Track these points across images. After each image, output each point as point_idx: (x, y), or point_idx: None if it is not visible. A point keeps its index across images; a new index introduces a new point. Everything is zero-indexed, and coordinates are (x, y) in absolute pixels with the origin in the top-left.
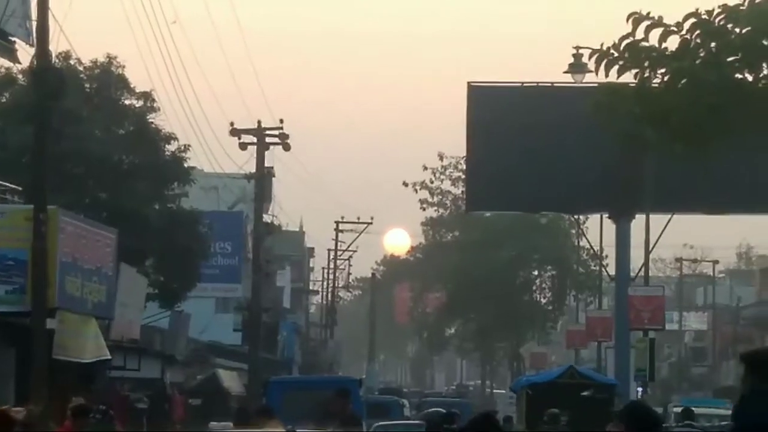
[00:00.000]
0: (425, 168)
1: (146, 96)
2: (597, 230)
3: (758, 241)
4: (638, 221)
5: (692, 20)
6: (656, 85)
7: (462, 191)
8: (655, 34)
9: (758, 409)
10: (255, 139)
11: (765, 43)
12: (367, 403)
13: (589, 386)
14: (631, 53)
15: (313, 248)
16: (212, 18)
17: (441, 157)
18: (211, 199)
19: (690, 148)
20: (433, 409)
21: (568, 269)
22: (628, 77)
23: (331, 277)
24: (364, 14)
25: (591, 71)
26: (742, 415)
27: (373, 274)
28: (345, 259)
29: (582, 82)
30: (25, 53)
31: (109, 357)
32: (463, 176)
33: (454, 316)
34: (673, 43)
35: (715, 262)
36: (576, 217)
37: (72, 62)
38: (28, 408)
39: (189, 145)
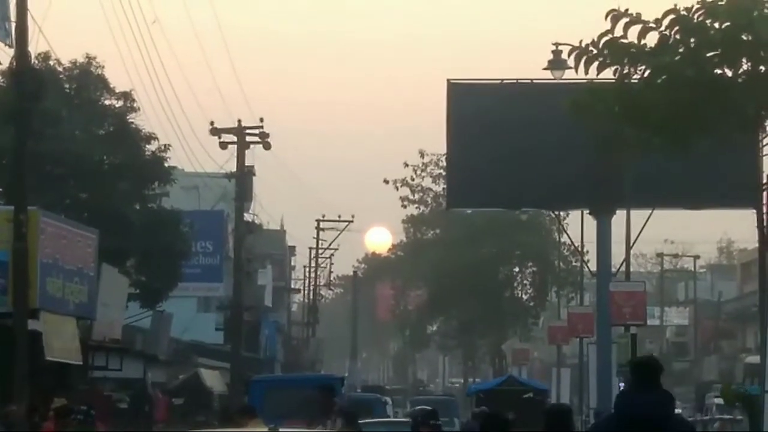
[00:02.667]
0: (406, 165)
1: (126, 96)
2: (578, 226)
3: (739, 236)
4: (619, 217)
5: (671, 16)
6: (635, 81)
7: (443, 188)
8: (634, 31)
9: (635, 400)
10: (235, 138)
11: (744, 38)
12: (350, 401)
13: (528, 391)
14: (611, 50)
15: (294, 247)
16: (192, 18)
17: (422, 155)
18: (192, 198)
19: (669, 144)
20: (419, 407)
21: (549, 265)
22: (608, 74)
23: (312, 275)
24: (343, 13)
25: (571, 68)
26: (622, 405)
27: (354, 272)
28: (326, 258)
29: (562, 79)
30: (4, 54)
31: (80, 362)
32: (444, 173)
33: (436, 313)
34: (652, 39)
35: (696, 257)
36: (556, 213)
37: (51, 63)
38: (10, 408)
39: (169, 145)
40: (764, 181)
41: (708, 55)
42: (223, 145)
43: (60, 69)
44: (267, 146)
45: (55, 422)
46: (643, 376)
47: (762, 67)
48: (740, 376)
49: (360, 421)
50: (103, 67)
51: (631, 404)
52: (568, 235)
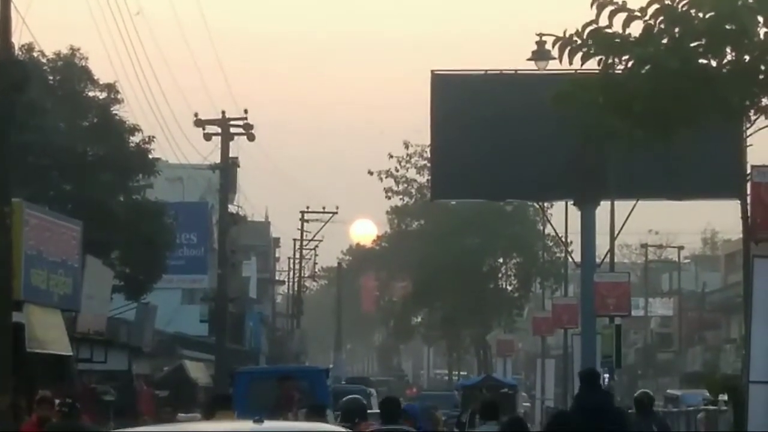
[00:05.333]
0: (391, 156)
1: (110, 88)
2: (562, 217)
3: (723, 227)
4: (603, 208)
5: (656, 6)
6: (620, 71)
7: (427, 180)
8: (618, 20)
9: (587, 397)
10: (219, 130)
11: (728, 27)
12: (334, 392)
13: (504, 386)
14: (595, 40)
15: (278, 238)
16: (176, 8)
17: (406, 146)
18: (176, 190)
19: (654, 135)
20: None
21: (534, 256)
22: (592, 64)
23: (297, 266)
24: (326, 2)
25: (554, 58)
26: (579, 400)
27: (339, 263)
28: (311, 249)
29: (546, 70)
30: None
31: (71, 353)
32: (428, 164)
33: (421, 305)
34: (636, 29)
35: (681, 247)
36: (541, 204)
37: (35, 54)
38: None
39: (153, 137)
40: (748, 171)
41: (692, 44)
42: (208, 137)
43: (44, 60)
44: (251, 138)
45: (37, 411)
46: (589, 381)
47: (746, 57)
48: (725, 367)
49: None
50: (87, 58)
51: (585, 399)
52: (552, 226)
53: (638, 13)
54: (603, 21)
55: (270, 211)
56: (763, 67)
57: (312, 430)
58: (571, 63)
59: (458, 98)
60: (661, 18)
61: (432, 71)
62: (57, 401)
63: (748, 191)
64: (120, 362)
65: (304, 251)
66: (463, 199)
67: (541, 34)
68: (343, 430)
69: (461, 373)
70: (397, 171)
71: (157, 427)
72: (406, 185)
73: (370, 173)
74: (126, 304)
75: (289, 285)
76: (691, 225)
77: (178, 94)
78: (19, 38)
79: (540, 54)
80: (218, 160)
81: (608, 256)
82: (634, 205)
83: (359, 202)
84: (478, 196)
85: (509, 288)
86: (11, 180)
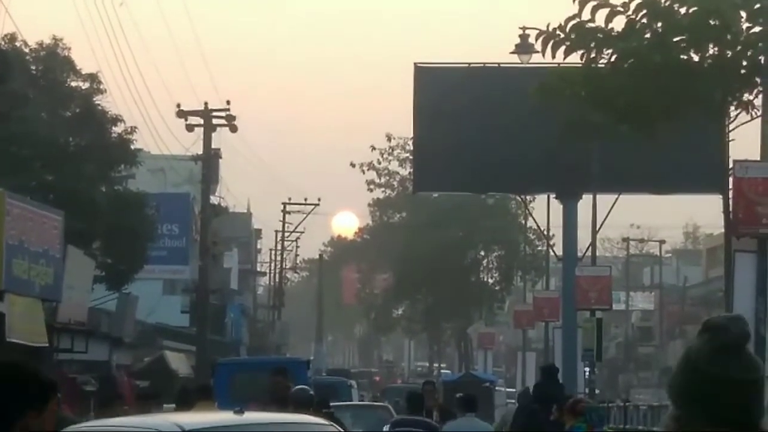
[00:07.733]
0: (373, 149)
1: (93, 78)
2: (544, 210)
3: (705, 221)
4: (585, 201)
5: (638, 0)
6: (603, 65)
7: (409, 172)
8: (601, 15)
9: (548, 386)
10: (201, 121)
11: (711, 23)
12: (315, 385)
13: (484, 381)
14: (578, 34)
15: (260, 230)
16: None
17: (389, 138)
18: (158, 180)
19: (636, 129)
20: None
21: (516, 250)
22: (575, 58)
23: (278, 258)
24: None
25: (538, 52)
26: (536, 389)
27: (320, 255)
28: (292, 241)
29: (529, 63)
30: None
31: (47, 345)
32: (411, 157)
33: (402, 297)
34: (619, 23)
35: (662, 241)
36: (523, 197)
37: (18, 44)
38: None
39: (136, 127)
40: (730, 166)
41: (675, 39)
42: (190, 128)
43: (26, 50)
44: (233, 129)
45: None
46: (550, 374)
47: (728, 52)
48: None
49: (334, 403)
50: (70, 48)
51: (546, 388)
52: (534, 219)
53: (621, 8)
54: (586, 15)
55: (252, 203)
56: (744, 63)
57: (291, 421)
58: (554, 57)
59: (441, 91)
60: (644, 12)
61: (415, 64)
62: None
63: (730, 186)
64: (101, 352)
65: (285, 243)
66: (445, 191)
67: (524, 28)
68: (324, 421)
69: (442, 365)
70: (380, 163)
71: (138, 418)
72: (388, 178)
73: (353, 165)
74: (107, 295)
75: (270, 276)
76: (673, 219)
77: (161, 85)
78: (1, 28)
79: (523, 47)
80: (200, 151)
81: (590, 249)
82: (616, 199)
83: (341, 194)
84: (460, 189)
85: (490, 281)
86: None
